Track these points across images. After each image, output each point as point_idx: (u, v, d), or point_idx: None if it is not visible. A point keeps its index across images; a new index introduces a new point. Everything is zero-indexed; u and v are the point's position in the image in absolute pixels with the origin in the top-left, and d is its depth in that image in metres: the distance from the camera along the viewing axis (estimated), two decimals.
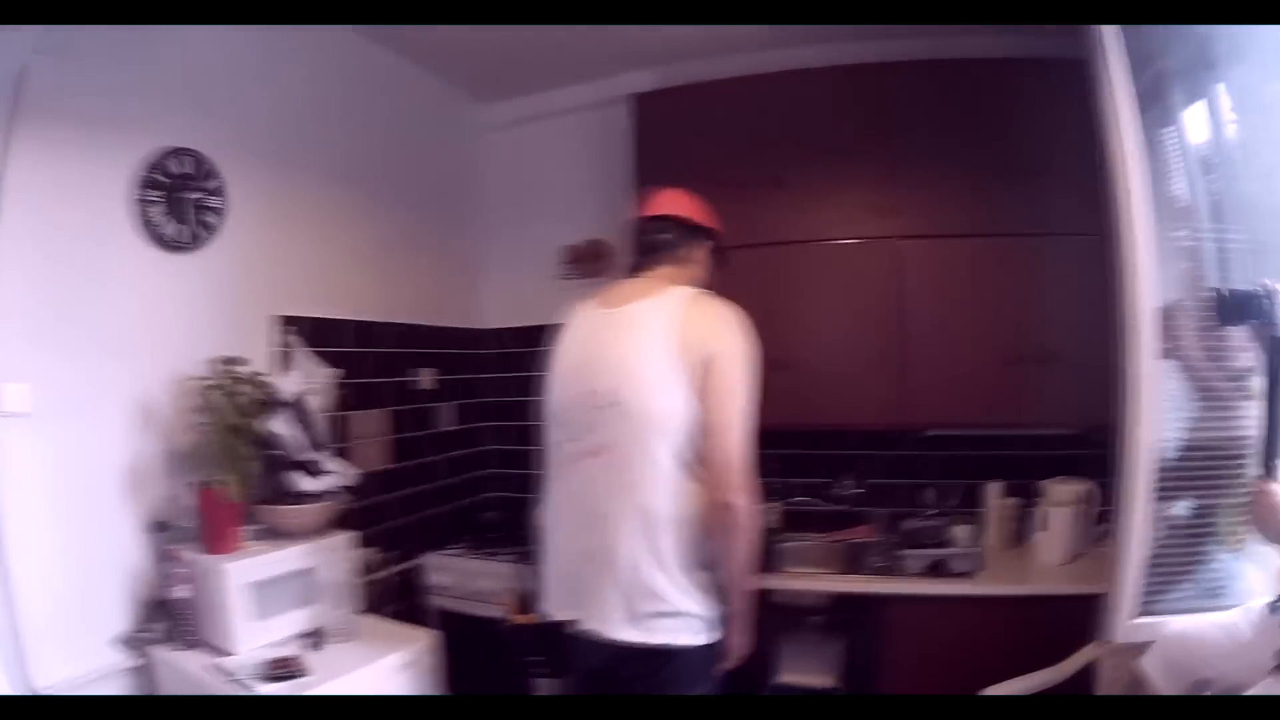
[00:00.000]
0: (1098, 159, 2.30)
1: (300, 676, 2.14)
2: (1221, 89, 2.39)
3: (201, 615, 2.25)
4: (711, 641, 2.03)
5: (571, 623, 2.05)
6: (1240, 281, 2.16)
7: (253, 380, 2.37)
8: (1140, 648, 2.27)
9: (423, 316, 3.45)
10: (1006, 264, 2.95)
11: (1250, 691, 1.88)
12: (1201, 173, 2.42)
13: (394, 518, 3.24)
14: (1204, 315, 2.20)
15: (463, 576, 3.23)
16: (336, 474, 2.52)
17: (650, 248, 2.23)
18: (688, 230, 2.24)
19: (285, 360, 2.70)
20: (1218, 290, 2.11)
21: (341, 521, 2.59)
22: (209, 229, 2.50)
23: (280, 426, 2.42)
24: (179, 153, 2.42)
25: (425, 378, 3.44)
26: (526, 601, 2.32)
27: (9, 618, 2.03)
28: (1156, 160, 2.30)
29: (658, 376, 1.98)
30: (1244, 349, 2.18)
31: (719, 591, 2.04)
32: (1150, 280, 2.22)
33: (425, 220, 3.52)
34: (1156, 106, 2.32)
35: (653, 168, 3.18)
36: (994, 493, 3.18)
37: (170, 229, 2.39)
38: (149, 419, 2.31)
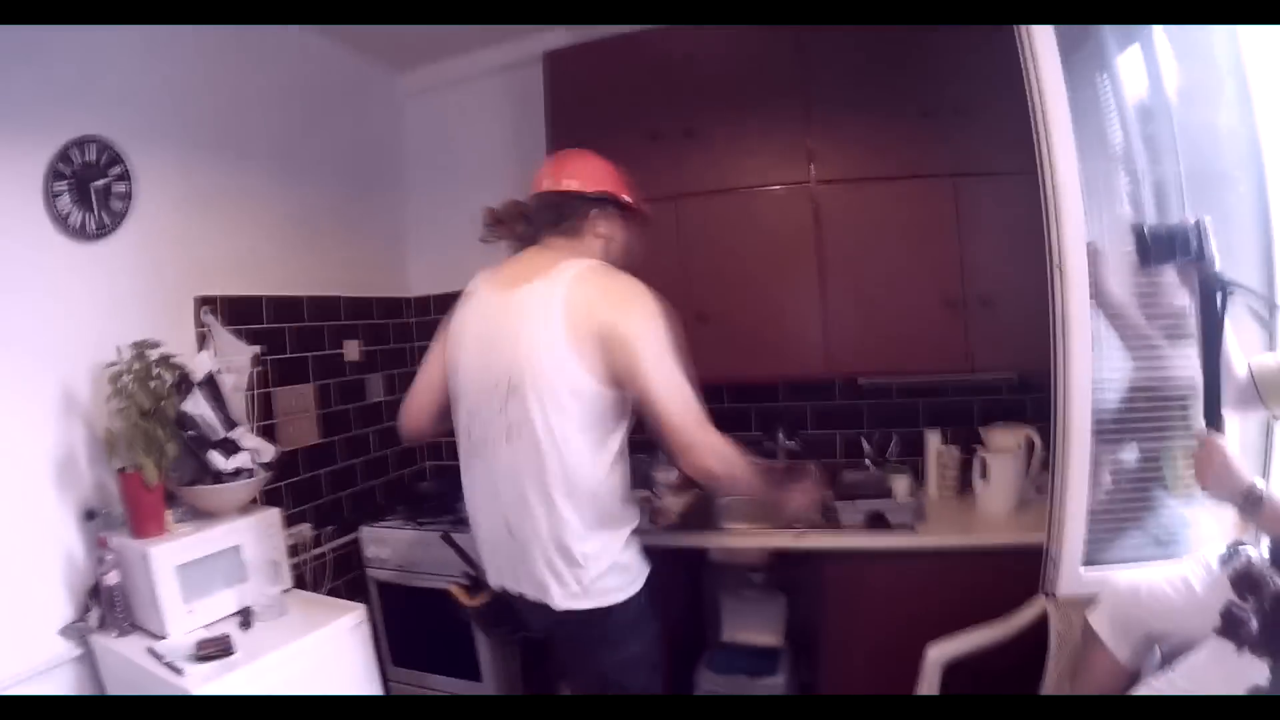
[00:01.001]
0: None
1: (227, 656, 2.21)
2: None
3: (133, 600, 2.34)
4: (640, 591, 2.13)
5: (511, 592, 2.17)
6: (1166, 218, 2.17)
7: (165, 363, 2.41)
8: (1088, 600, 2.26)
9: (348, 288, 3.51)
10: (930, 207, 2.95)
11: (1197, 651, 1.85)
12: (1136, 113, 2.44)
13: (326, 493, 3.32)
14: (1129, 255, 2.10)
15: (400, 548, 3.30)
16: (255, 451, 2.59)
17: (542, 221, 2.21)
18: (577, 203, 2.17)
19: (205, 341, 2.75)
20: (1140, 227, 2.02)
21: (267, 499, 2.68)
22: (116, 216, 2.54)
23: (195, 407, 2.49)
24: (82, 142, 2.45)
25: (351, 349, 3.50)
26: (474, 582, 2.36)
27: None
28: (1085, 100, 2.27)
29: (554, 361, 1.98)
30: (1177, 289, 2.09)
31: None
32: (1078, 220, 2.17)
33: (346, 191, 3.55)
34: (1086, 44, 2.31)
35: (566, 125, 3.26)
36: (933, 441, 3.22)
37: (78, 218, 2.43)
38: (72, 409, 2.38)
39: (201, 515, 2.50)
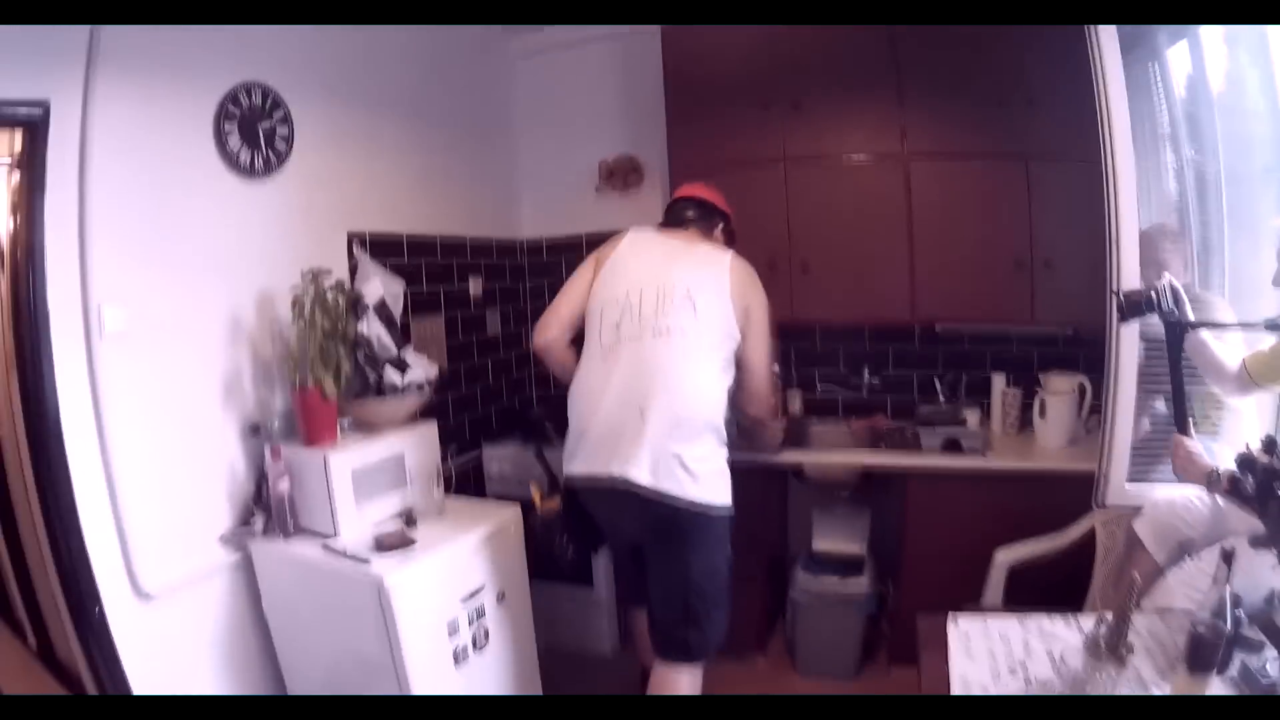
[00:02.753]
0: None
1: (408, 546, 2.48)
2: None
3: (302, 505, 2.56)
4: (730, 506, 2.48)
5: (598, 477, 2.43)
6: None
7: (341, 289, 2.65)
8: (1132, 512, 2.60)
9: (470, 229, 3.76)
10: (1004, 182, 3.25)
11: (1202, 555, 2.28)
12: (1185, 106, 2.76)
13: (453, 417, 3.59)
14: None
15: (517, 465, 3.60)
16: (421, 369, 2.83)
17: (682, 217, 2.77)
18: (710, 210, 2.81)
19: (355, 273, 3.00)
20: (1115, 291, 2.56)
21: (424, 413, 2.92)
22: (280, 155, 2.76)
23: (369, 328, 2.74)
24: (249, 87, 2.64)
25: (475, 286, 3.76)
26: (551, 487, 2.75)
27: (116, 526, 2.29)
28: (1142, 95, 2.65)
29: (717, 297, 2.51)
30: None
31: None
32: (1131, 203, 2.57)
33: (467, 142, 3.78)
34: (1143, 45, 2.64)
35: (684, 92, 3.52)
36: (998, 383, 3.55)
37: (247, 156, 2.64)
38: (239, 332, 2.59)
39: (366, 427, 2.74)
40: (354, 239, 3.05)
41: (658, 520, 2.40)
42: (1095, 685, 1.67)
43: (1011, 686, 1.81)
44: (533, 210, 4.16)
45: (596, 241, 2.83)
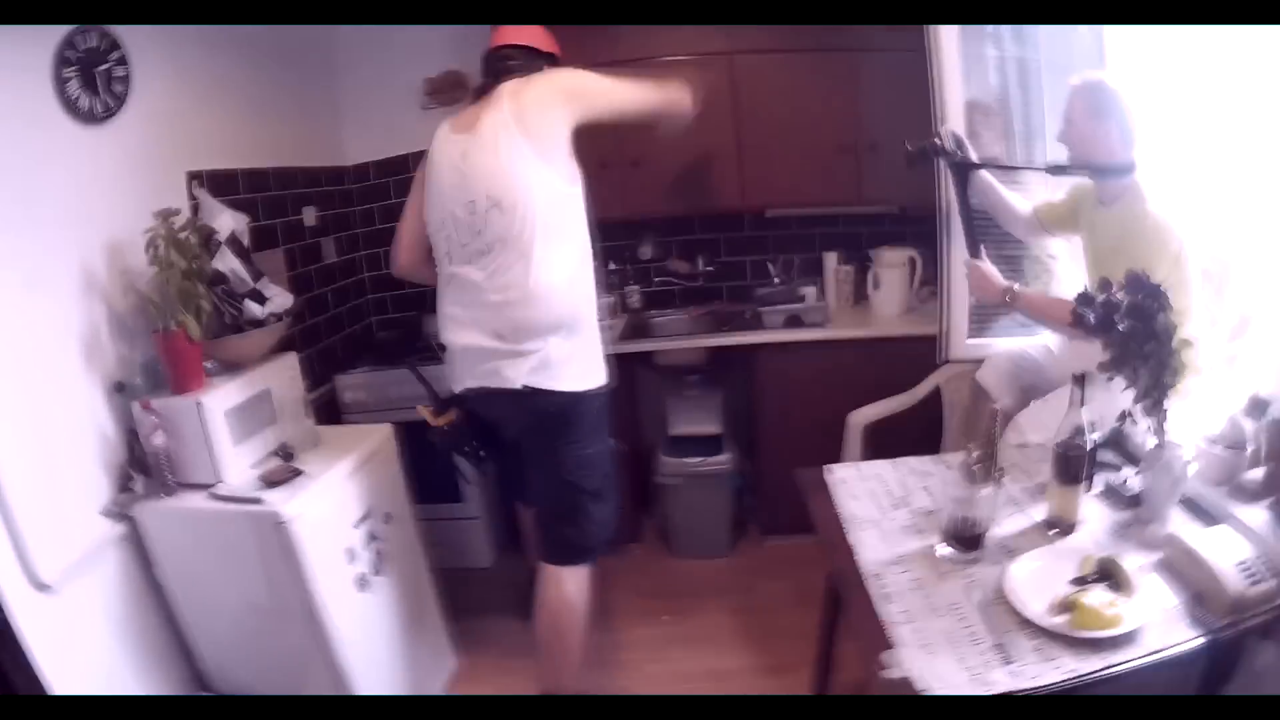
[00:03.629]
0: None
1: (298, 476, 2.43)
2: None
3: (180, 457, 2.40)
4: (600, 390, 2.52)
5: (481, 389, 2.47)
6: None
7: (193, 226, 2.49)
8: (973, 367, 2.90)
9: (298, 159, 3.56)
10: (830, 74, 3.45)
11: (1051, 394, 2.52)
12: None
13: (299, 349, 3.43)
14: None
15: (373, 391, 3.54)
16: (279, 299, 2.72)
17: (496, 71, 2.51)
18: (530, 54, 2.54)
19: (197, 211, 2.81)
20: (904, 144, 2.77)
21: (285, 344, 2.83)
22: (118, 99, 2.53)
23: (225, 263, 2.60)
24: (84, 29, 2.41)
25: (309, 216, 3.60)
26: (440, 404, 2.71)
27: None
28: None
29: (520, 167, 2.33)
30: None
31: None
32: (958, 88, 2.84)
33: (292, 71, 3.56)
34: None
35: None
36: (830, 261, 3.81)
37: (86, 102, 2.42)
38: (92, 286, 2.38)
39: (230, 366, 2.60)
40: (193, 178, 2.84)
41: (529, 414, 2.45)
42: (976, 506, 1.79)
43: (898, 519, 2.02)
44: (359, 133, 3.97)
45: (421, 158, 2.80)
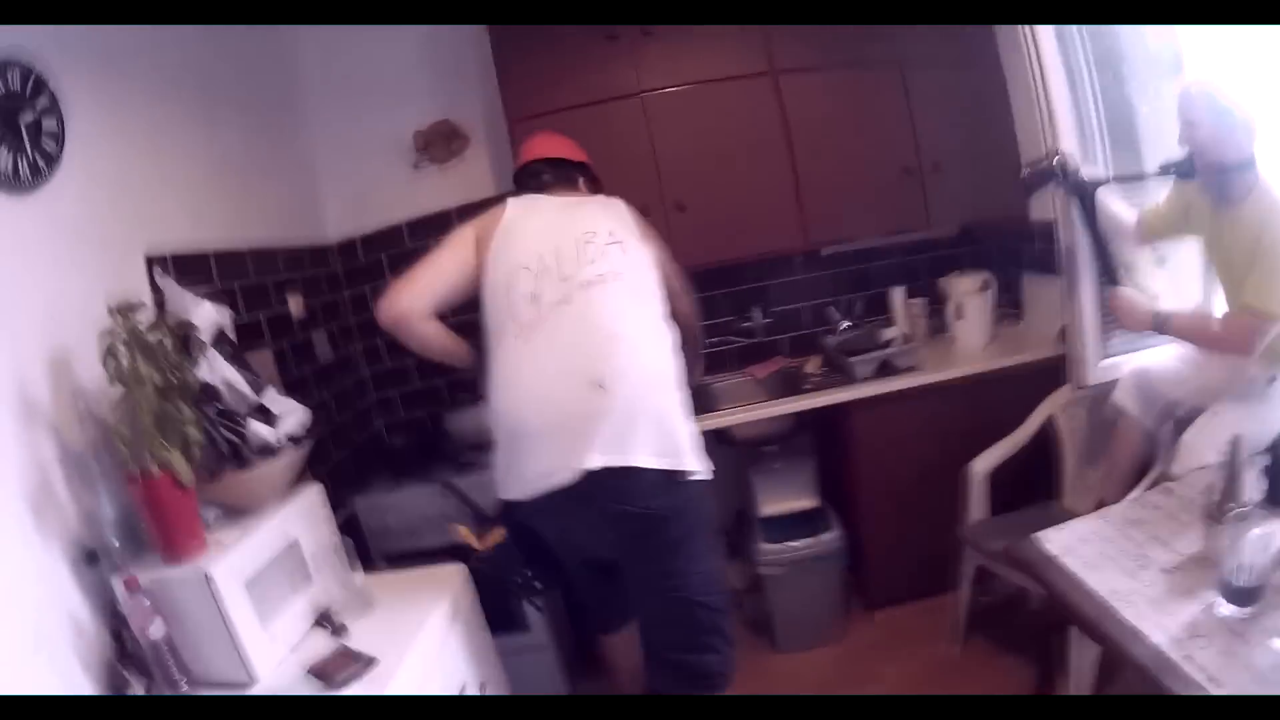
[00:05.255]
0: None
1: (371, 667, 1.62)
2: None
3: (188, 650, 1.58)
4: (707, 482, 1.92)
5: (560, 483, 1.79)
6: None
7: (165, 324, 1.69)
8: (1103, 389, 2.53)
9: (274, 237, 2.74)
10: (881, 91, 2.94)
11: (1209, 410, 2.19)
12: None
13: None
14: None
15: (399, 513, 2.70)
16: (293, 414, 1.92)
17: (537, 184, 2.22)
18: (567, 166, 2.28)
19: (166, 305, 2.00)
20: (1020, 173, 2.62)
21: (303, 473, 1.99)
22: (50, 158, 1.74)
23: (215, 372, 1.81)
24: (3, 64, 1.66)
25: (294, 305, 2.74)
26: (480, 520, 2.09)
27: None
28: None
29: (636, 239, 2.04)
30: None
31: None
32: (1065, 99, 2.52)
33: (249, 122, 2.73)
34: None
35: (510, 36, 2.79)
36: (898, 296, 3.21)
37: (6, 161, 1.62)
38: (34, 414, 1.55)
39: (234, 512, 1.81)
40: (154, 263, 2.03)
41: (639, 513, 1.81)
42: (1241, 552, 1.42)
43: (1155, 582, 1.58)
44: (341, 204, 3.13)
45: (421, 228, 2.57)
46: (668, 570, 1.85)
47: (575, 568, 2.09)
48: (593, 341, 1.83)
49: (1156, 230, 2.41)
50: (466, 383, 2.83)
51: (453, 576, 2.02)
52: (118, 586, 1.52)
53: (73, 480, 1.61)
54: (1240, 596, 1.42)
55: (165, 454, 1.58)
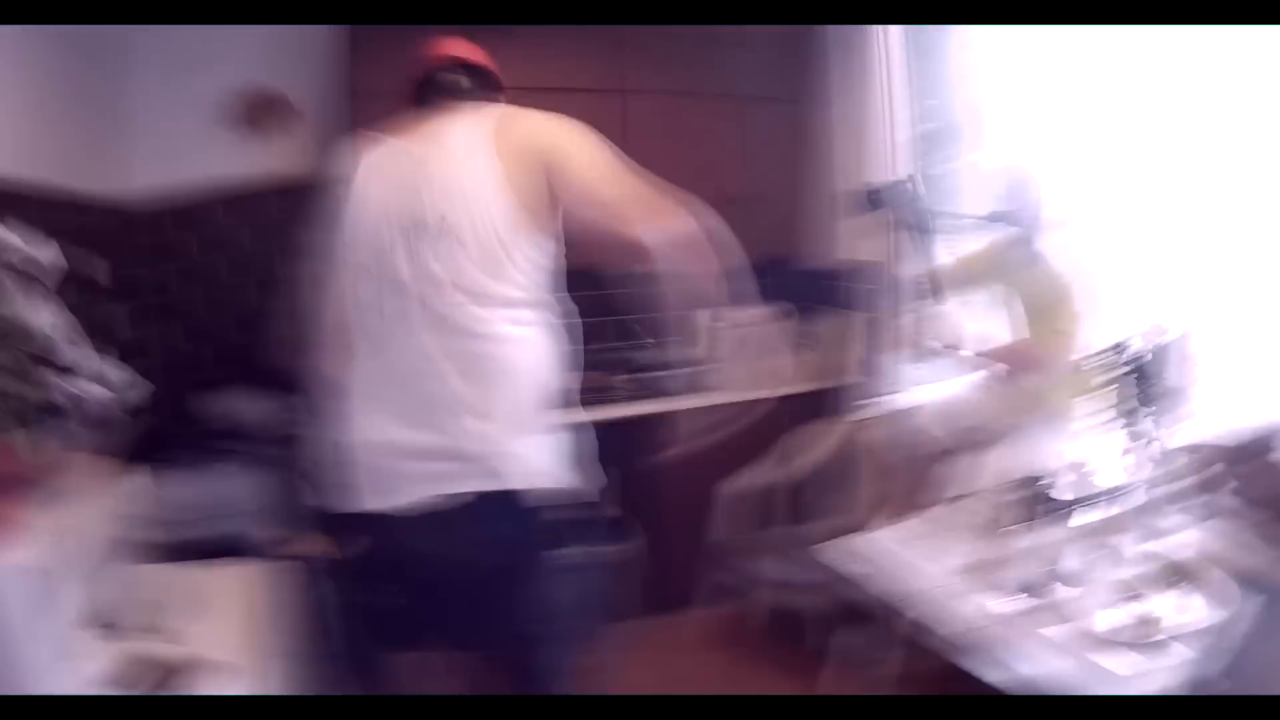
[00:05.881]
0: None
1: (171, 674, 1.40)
2: None
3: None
4: (561, 488, 1.69)
5: (407, 508, 1.59)
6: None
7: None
8: (900, 414, 2.81)
9: (82, 185, 2.33)
10: (720, 120, 3.08)
11: (1003, 438, 2.44)
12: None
13: None
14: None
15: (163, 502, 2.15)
16: (132, 384, 1.64)
17: (454, 89, 1.80)
18: (489, 80, 1.86)
19: None
20: (866, 186, 2.67)
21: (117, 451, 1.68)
22: None
23: (54, 326, 1.54)
24: None
25: (100, 270, 2.24)
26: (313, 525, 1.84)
27: None
28: None
29: (494, 186, 1.60)
30: None
31: None
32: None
33: (77, 69, 2.35)
34: None
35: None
36: (703, 318, 3.19)
37: None
38: None
39: (23, 488, 1.37)
40: None
41: (487, 530, 1.61)
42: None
43: (951, 578, 1.80)
44: (156, 162, 2.68)
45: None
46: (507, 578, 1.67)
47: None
48: (435, 371, 1.58)
49: (968, 277, 2.66)
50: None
51: (257, 577, 1.81)
52: None
53: None
54: (1019, 592, 1.69)
55: None
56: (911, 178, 2.64)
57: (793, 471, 2.84)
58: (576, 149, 1.66)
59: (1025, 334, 2.56)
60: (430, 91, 1.81)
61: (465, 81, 1.82)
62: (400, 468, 1.59)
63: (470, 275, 1.57)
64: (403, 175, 1.65)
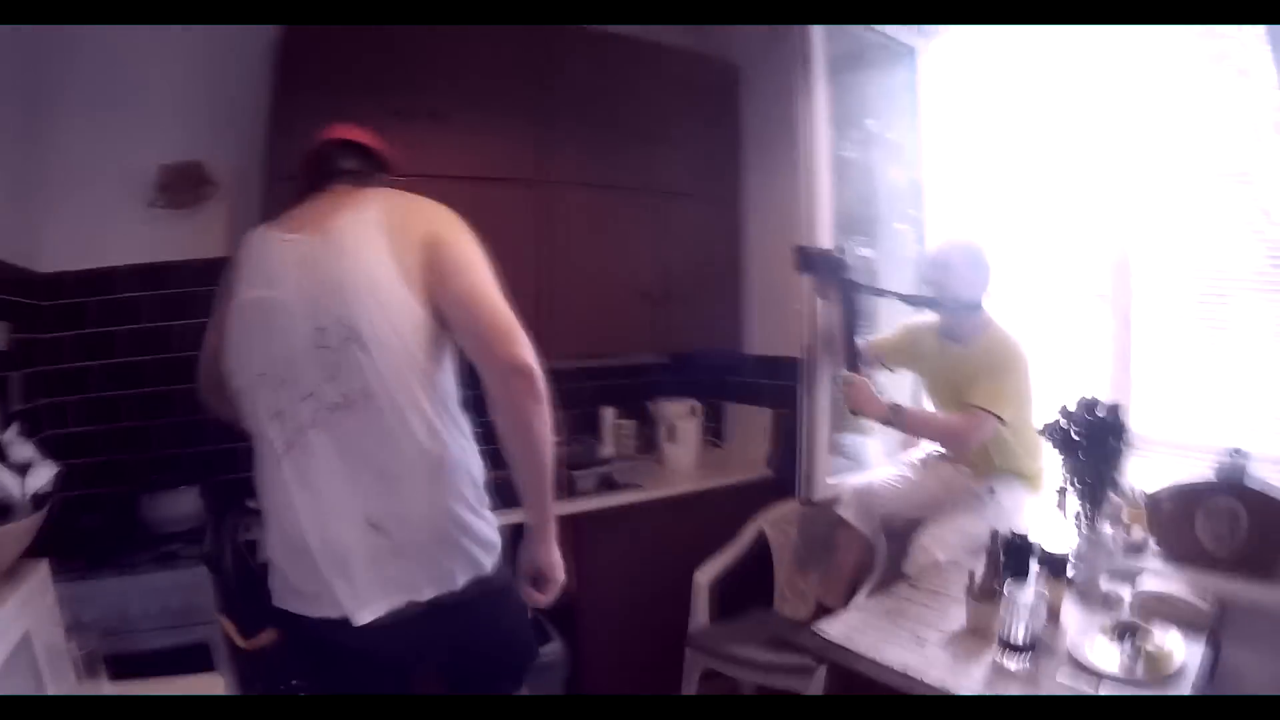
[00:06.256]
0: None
1: None
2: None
3: None
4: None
5: (339, 620, 1.52)
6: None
7: None
8: (786, 510, 2.93)
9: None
10: (637, 216, 3.14)
11: (933, 519, 2.52)
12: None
13: None
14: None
15: (114, 604, 2.08)
16: (40, 466, 1.51)
17: (330, 173, 1.74)
18: (372, 160, 1.80)
19: None
20: (800, 246, 2.66)
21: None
22: None
23: None
24: None
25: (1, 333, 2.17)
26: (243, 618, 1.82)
27: None
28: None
29: (389, 287, 1.52)
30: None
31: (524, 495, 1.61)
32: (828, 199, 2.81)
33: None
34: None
35: (296, 92, 2.54)
36: (609, 415, 3.37)
37: None
38: None
39: None
40: None
41: (438, 626, 1.58)
42: (1007, 615, 1.75)
43: (935, 653, 1.82)
44: (62, 230, 2.52)
45: (151, 275, 2.41)
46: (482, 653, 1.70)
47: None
48: (357, 479, 1.53)
49: (883, 355, 2.75)
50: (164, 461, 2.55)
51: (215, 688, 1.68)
52: None
53: None
54: (1020, 651, 1.73)
55: None
56: (840, 249, 2.67)
57: (722, 564, 2.88)
58: (463, 245, 1.60)
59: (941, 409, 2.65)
60: (316, 175, 1.75)
61: (350, 162, 1.76)
62: (359, 574, 1.52)
63: (375, 376, 1.50)
64: (295, 274, 1.56)
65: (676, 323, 3.20)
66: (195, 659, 1.97)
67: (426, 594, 1.53)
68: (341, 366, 1.49)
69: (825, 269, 2.61)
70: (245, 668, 1.74)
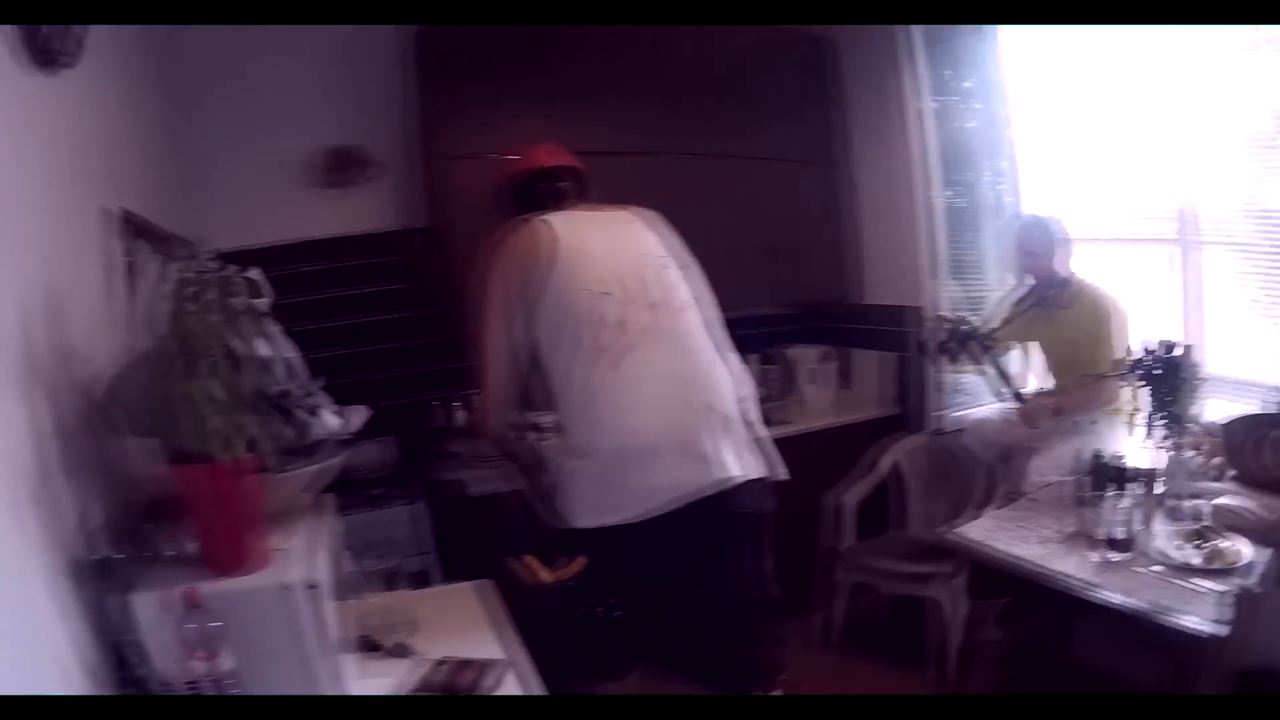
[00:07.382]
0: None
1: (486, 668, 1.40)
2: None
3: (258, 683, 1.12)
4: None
5: (677, 496, 1.73)
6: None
7: (229, 282, 1.29)
8: (951, 435, 3.10)
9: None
10: (757, 180, 3.20)
11: (1043, 446, 2.66)
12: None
13: None
14: None
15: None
16: (354, 410, 1.54)
17: (556, 194, 2.01)
18: (584, 181, 2.10)
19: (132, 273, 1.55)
20: (940, 341, 2.92)
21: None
22: (79, 44, 1.31)
23: (273, 349, 1.41)
24: None
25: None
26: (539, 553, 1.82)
27: None
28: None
29: (677, 254, 2.00)
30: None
31: None
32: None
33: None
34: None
35: (439, 77, 2.66)
36: (753, 362, 3.28)
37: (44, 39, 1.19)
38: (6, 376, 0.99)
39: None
40: (130, 222, 1.53)
41: (754, 515, 1.85)
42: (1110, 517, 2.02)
43: (1054, 549, 2.07)
44: (222, 212, 2.48)
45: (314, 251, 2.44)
46: (755, 569, 1.85)
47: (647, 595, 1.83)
48: (691, 368, 1.83)
49: (1010, 339, 2.89)
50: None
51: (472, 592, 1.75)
52: (142, 607, 1.08)
53: (70, 467, 1.11)
54: (1122, 546, 1.98)
55: (237, 433, 1.19)
56: (961, 319, 2.88)
57: (884, 481, 2.99)
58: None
59: (1066, 375, 2.78)
60: (538, 193, 2.00)
61: (568, 183, 2.04)
62: (693, 449, 1.75)
63: (689, 295, 1.91)
64: (605, 229, 1.91)
65: (801, 277, 3.33)
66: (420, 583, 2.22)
67: (752, 473, 1.82)
68: (669, 281, 1.88)
69: (962, 345, 2.82)
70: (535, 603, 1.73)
